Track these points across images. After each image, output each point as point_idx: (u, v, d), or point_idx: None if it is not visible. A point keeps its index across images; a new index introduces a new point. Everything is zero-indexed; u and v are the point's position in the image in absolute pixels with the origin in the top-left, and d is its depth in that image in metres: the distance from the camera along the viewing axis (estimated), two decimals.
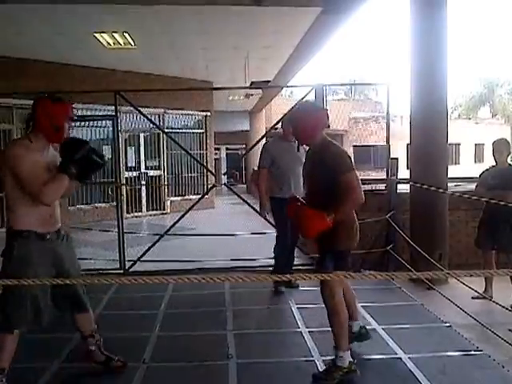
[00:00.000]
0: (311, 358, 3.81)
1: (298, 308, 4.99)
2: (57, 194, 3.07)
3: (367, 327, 4.10)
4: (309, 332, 4.33)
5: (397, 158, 6.60)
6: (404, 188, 6.64)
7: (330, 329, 3.54)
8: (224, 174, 5.86)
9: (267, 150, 5.63)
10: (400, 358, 3.77)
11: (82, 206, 11.67)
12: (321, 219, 3.22)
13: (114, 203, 7.51)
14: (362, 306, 4.93)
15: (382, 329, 4.36)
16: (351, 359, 3.45)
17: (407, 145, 6.44)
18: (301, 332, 4.36)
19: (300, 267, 6.59)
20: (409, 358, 3.76)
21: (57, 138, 3.14)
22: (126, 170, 12.77)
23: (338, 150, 3.46)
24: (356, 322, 3.93)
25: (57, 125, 3.08)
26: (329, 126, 3.55)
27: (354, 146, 31.38)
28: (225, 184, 8.37)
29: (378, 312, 4.80)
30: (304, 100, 4.97)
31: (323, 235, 3.31)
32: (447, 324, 4.47)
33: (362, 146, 29.37)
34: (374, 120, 29.26)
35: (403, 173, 6.59)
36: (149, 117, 7.76)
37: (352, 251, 3.59)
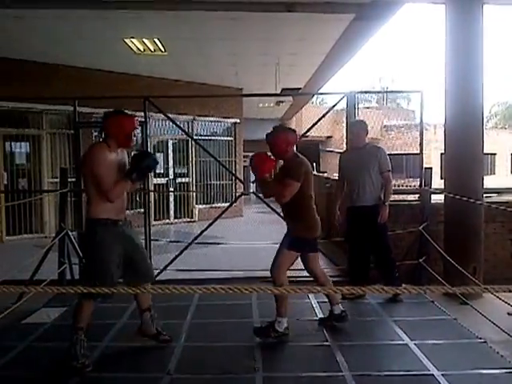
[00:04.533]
0: (340, 373, 3.69)
1: None
2: (121, 193, 3.84)
3: (399, 342, 4.01)
4: (337, 345, 4.20)
5: (431, 168, 6.42)
6: (438, 198, 6.46)
7: (359, 343, 3.91)
8: (253, 182, 5.76)
9: (339, 162, 5.82)
10: (433, 375, 3.63)
11: None
12: (266, 166, 4.34)
13: (142, 210, 7.51)
14: (393, 321, 4.80)
15: (415, 344, 4.20)
16: (286, 325, 4.28)
17: (441, 154, 6.29)
18: (329, 345, 4.24)
19: (331, 279, 6.46)
20: (442, 374, 3.61)
21: (126, 144, 3.91)
22: (155, 177, 12.83)
23: (299, 161, 4.41)
24: (336, 306, 4.62)
25: (126, 133, 3.84)
26: (296, 145, 4.54)
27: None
28: (253, 192, 8.30)
29: (410, 327, 4.64)
30: (278, 124, 5.19)
31: (290, 224, 4.46)
32: (482, 340, 4.29)
33: (394, 154, 28.91)
34: (407, 128, 28.84)
35: (437, 183, 6.41)
36: (178, 123, 7.76)
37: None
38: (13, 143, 11.16)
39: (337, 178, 5.98)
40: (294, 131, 4.55)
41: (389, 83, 45.19)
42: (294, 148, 4.52)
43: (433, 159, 23.12)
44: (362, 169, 5.47)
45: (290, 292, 2.23)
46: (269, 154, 4.51)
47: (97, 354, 4.08)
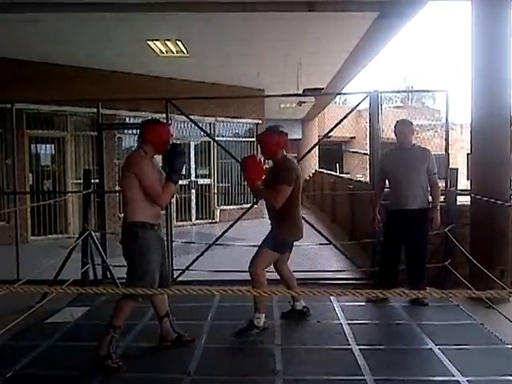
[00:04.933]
0: (362, 377, 3.64)
1: (348, 324, 4.80)
2: (169, 198, 4.15)
3: (423, 347, 3.96)
4: (359, 349, 4.15)
5: (457, 169, 6.30)
6: (464, 200, 6.32)
7: (382, 346, 3.94)
8: None
9: (380, 162, 5.66)
10: (458, 381, 3.55)
11: None
12: (257, 174, 4.40)
13: (164, 211, 7.51)
14: (417, 325, 4.72)
15: (439, 349, 4.12)
16: (265, 320, 4.45)
17: (467, 154, 6.13)
18: (351, 349, 4.18)
19: (353, 281, 6.40)
20: (467, 380, 3.54)
21: (162, 151, 4.06)
22: None
23: (290, 165, 4.51)
24: (298, 303, 4.89)
25: (164, 141, 4.01)
26: (287, 147, 4.58)
27: None
28: None
29: (434, 331, 4.56)
30: (269, 125, 5.12)
31: (276, 225, 4.55)
32: (509, 345, 4.19)
33: None
34: (432, 128, 28.48)
35: (463, 184, 6.28)
36: (200, 125, 7.76)
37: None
38: (38, 145, 11.35)
39: (376, 179, 5.76)
40: (286, 134, 4.61)
41: (414, 82, 44.75)
42: (284, 151, 4.60)
43: (459, 159, 22.74)
44: (412, 170, 5.28)
45: (309, 295, 2.20)
46: (258, 156, 4.70)
47: (118, 354, 4.08)
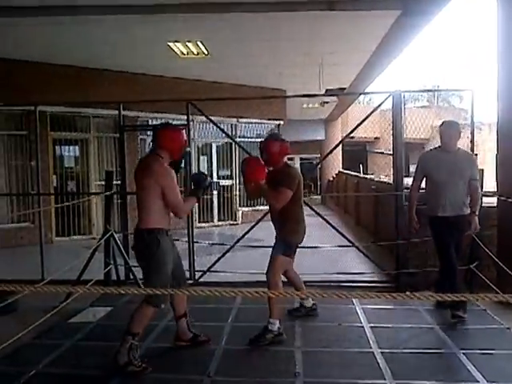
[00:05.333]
0: (383, 381, 3.60)
1: (370, 327, 4.74)
2: (188, 211, 4.20)
3: (446, 351, 3.92)
4: (381, 353, 4.09)
5: (482, 169, 6.16)
6: (491, 201, 6.17)
7: (404, 350, 3.92)
8: None
9: (420, 161, 5.23)
10: None
11: None
12: (261, 173, 4.46)
13: None
14: (440, 328, 4.63)
15: (463, 353, 4.03)
16: (279, 326, 4.41)
17: (496, 155, 5.98)
18: (373, 352, 4.13)
19: (378, 284, 6.32)
20: None
21: (178, 156, 4.07)
22: None
23: (291, 171, 4.65)
24: (307, 300, 5.08)
25: (181, 147, 4.04)
26: (289, 154, 4.71)
27: None
28: None
29: (459, 335, 4.47)
30: (272, 131, 5.07)
31: (282, 229, 4.61)
32: None
33: None
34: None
35: (492, 185, 6.13)
36: (222, 126, 7.76)
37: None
38: (62, 147, 11.50)
39: (414, 178, 5.30)
40: (287, 142, 4.72)
41: (440, 82, 44.18)
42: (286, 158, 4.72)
43: (487, 160, 22.35)
44: (456, 175, 4.95)
45: (333, 296, 2.15)
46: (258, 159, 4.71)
47: (139, 355, 4.09)
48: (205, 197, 12.92)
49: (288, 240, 4.62)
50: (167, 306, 4.18)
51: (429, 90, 25.61)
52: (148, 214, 3.89)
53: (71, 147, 11.73)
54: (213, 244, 8.95)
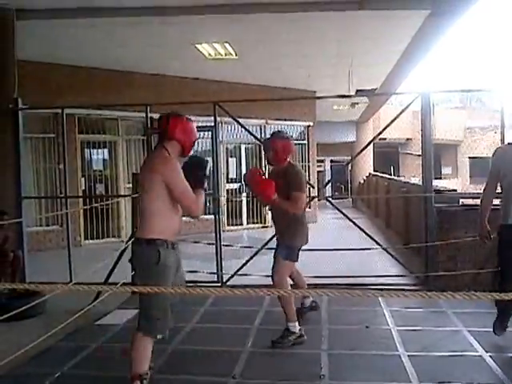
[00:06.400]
0: None
1: (398, 330, 4.66)
2: (203, 207, 3.41)
3: (473, 354, 3.97)
4: (408, 356, 4.03)
5: None
6: None
7: (431, 353, 3.91)
8: (324, 186, 5.64)
9: (493, 160, 4.41)
10: None
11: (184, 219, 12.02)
12: (270, 188, 4.32)
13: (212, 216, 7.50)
14: (468, 331, 4.52)
15: (490, 356, 3.95)
16: (299, 327, 4.38)
17: None
18: (399, 355, 4.07)
19: (405, 287, 6.20)
20: None
21: (188, 151, 3.43)
22: (228, 182, 12.90)
23: (298, 170, 4.54)
24: (307, 299, 5.07)
25: (193, 141, 3.41)
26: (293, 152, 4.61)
27: (470, 158, 29.66)
28: (326, 198, 8.08)
29: (487, 338, 4.33)
30: (278, 130, 4.95)
31: (282, 233, 4.54)
32: None
33: (479, 157, 27.70)
34: (492, 129, 27.44)
35: None
36: (250, 128, 7.74)
37: None
38: (90, 149, 11.63)
39: (487, 181, 4.45)
40: (292, 140, 4.68)
41: (474, 82, 43.39)
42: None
43: None
44: None
45: (362, 296, 2.10)
46: (258, 170, 4.84)
47: (165, 357, 4.14)
48: (234, 200, 12.90)
49: (292, 244, 4.53)
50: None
51: (456, 91, 25.09)
52: (151, 220, 3.23)
53: (99, 150, 11.85)
54: (241, 247, 8.93)
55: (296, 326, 4.38)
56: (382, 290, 5.99)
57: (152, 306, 3.21)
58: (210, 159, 4.30)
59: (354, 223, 6.68)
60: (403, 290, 5.81)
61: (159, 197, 3.19)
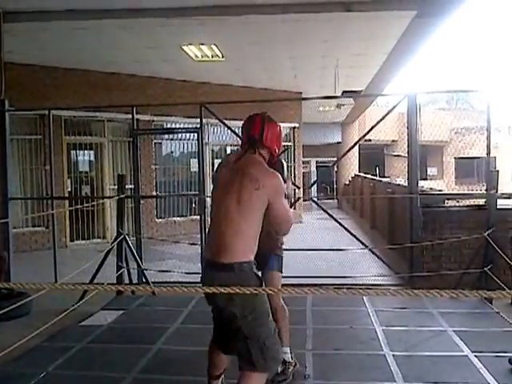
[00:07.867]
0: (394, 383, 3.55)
1: (383, 330, 4.68)
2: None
3: (458, 354, 3.87)
4: (393, 355, 4.05)
5: (497, 171, 6.06)
6: (507, 203, 6.07)
7: (416, 353, 3.81)
8: (310, 187, 5.65)
9: None
10: None
11: (174, 219, 12.08)
12: None
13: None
14: (453, 331, 4.56)
15: (475, 356, 3.97)
16: (291, 355, 3.74)
17: None
18: (384, 355, 4.08)
19: (391, 287, 6.25)
20: None
21: (276, 158, 3.06)
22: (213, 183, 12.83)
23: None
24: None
25: (280, 146, 3.05)
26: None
27: (456, 159, 29.91)
28: (311, 199, 8.13)
29: (472, 338, 4.38)
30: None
31: (269, 244, 3.58)
32: None
33: (465, 158, 27.95)
34: (478, 130, 27.70)
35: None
36: (236, 129, 7.72)
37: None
38: (76, 151, 11.58)
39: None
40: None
41: (460, 83, 43.78)
42: None
43: (509, 162, 22.05)
44: None
45: (347, 294, 2.12)
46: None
47: (149, 357, 4.14)
48: None
49: (280, 254, 3.94)
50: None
51: (441, 92, 25.34)
52: (248, 240, 2.73)
53: (86, 151, 11.81)
54: None
55: (288, 354, 3.76)
56: (367, 289, 6.06)
57: (268, 335, 2.74)
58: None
59: (340, 223, 6.72)
60: (388, 290, 5.86)
61: (262, 216, 2.74)
